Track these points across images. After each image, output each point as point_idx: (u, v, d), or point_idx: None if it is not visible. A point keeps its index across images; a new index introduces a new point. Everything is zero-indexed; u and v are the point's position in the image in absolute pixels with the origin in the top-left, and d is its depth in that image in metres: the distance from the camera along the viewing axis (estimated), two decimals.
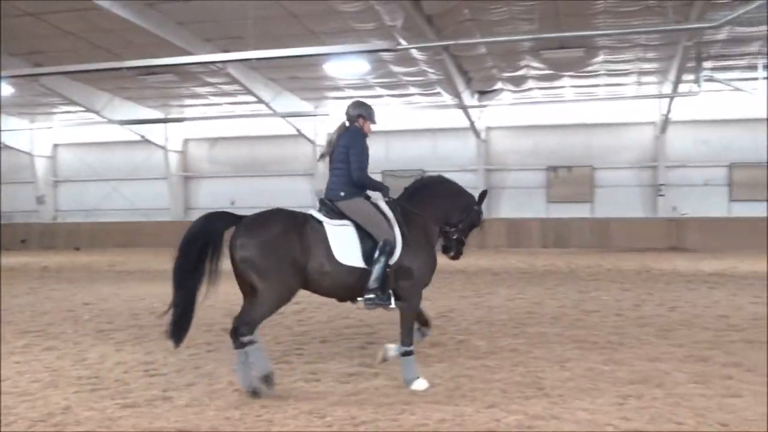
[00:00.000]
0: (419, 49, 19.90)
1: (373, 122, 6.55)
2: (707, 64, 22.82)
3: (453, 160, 29.78)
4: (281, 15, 18.80)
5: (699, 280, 15.29)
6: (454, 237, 6.88)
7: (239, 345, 5.85)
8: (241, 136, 32.08)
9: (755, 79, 23.41)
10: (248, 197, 31.98)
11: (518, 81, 25.49)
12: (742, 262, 19.38)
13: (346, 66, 22.70)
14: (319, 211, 6.27)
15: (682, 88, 24.16)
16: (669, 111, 26.12)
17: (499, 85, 26.31)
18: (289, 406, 5.71)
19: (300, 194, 31.26)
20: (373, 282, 6.02)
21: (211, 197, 32.70)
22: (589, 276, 16.39)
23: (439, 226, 6.72)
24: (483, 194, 7.10)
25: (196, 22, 19.46)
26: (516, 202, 29.37)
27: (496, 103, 27.43)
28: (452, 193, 6.86)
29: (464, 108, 26.54)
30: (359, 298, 6.17)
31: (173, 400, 6.00)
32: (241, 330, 5.80)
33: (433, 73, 24.03)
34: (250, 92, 25.47)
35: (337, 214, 6.21)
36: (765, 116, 26.70)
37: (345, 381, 6.57)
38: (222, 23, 19.41)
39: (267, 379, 5.86)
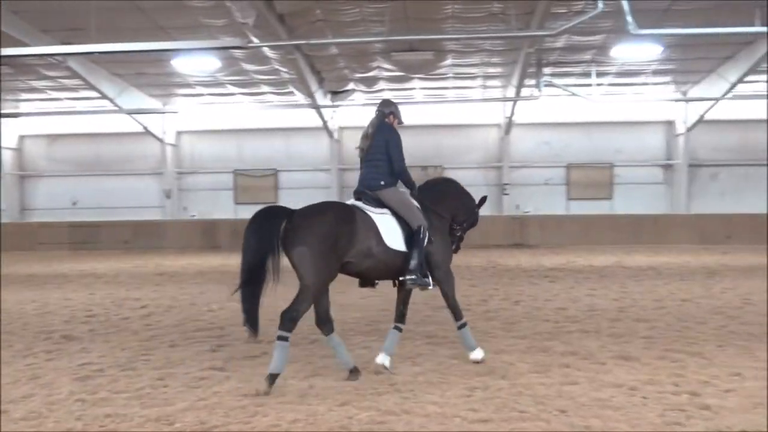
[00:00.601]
0: (271, 47, 19.72)
1: (401, 121, 7.12)
2: (547, 70, 24.05)
3: (306, 159, 29.75)
4: (127, 7, 18.06)
5: (540, 274, 16.07)
6: (458, 234, 7.56)
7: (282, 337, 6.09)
8: (83, 133, 30.50)
9: (590, 85, 24.99)
10: (91, 197, 30.53)
11: (370, 82, 25.81)
12: (579, 257, 20.55)
13: (196, 62, 22.13)
14: (359, 200, 6.73)
15: (525, 92, 25.33)
16: (512, 114, 27.29)
17: (351, 86, 26.53)
18: (135, 415, 5.51)
19: (147, 194, 30.19)
20: (415, 264, 6.57)
21: (49, 197, 30.93)
22: None
23: (449, 222, 7.35)
24: (483, 199, 7.79)
25: (33, 11, 18.34)
26: None
27: (349, 104, 27.65)
28: (461, 194, 7.60)
29: (317, 108, 26.56)
30: (401, 278, 6.69)
31: (9, 413, 5.63)
32: (286, 325, 6.08)
33: (285, 72, 23.89)
34: (93, 87, 24.29)
35: (377, 202, 6.69)
36: (600, 120, 28.57)
37: (195, 386, 6.41)
38: (62, 14, 18.40)
39: (273, 378, 6.11)
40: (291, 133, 29.90)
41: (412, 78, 25.21)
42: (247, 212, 29.09)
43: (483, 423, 5.24)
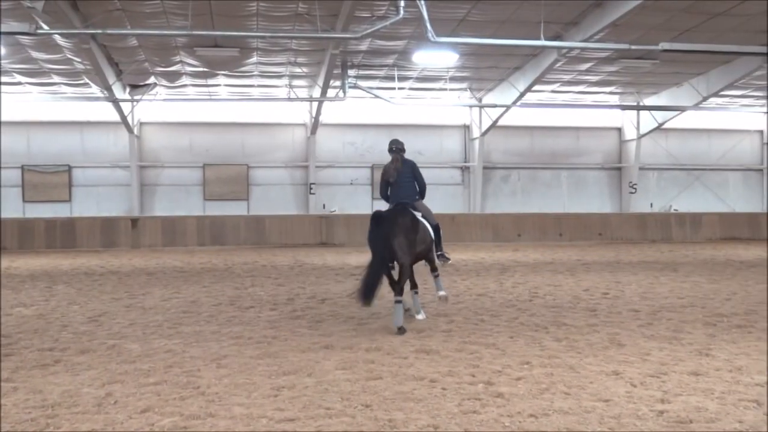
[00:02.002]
0: (63, 35, 18.51)
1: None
2: (352, 72, 24.50)
3: (104, 155, 28.21)
4: None
5: (346, 273, 16.36)
6: None
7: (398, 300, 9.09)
8: None
9: (393, 88, 25.78)
10: None
11: (172, 77, 24.98)
12: None
13: None
14: (397, 207, 9.83)
15: (331, 92, 25.64)
16: (319, 114, 27.52)
17: (152, 80, 25.52)
18: None
19: None
20: (440, 248, 10.12)
21: None
22: (245, 272, 16.67)
23: None
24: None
25: None
26: (171, 200, 28.79)
27: (150, 98, 26.59)
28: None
29: (115, 101, 25.28)
30: (438, 253, 10.07)
31: None
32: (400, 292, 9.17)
33: (79, 62, 22.50)
34: None
35: (412, 209, 9.82)
36: (402, 122, 29.54)
37: None
38: None
39: (402, 330, 8.83)
40: (86, 127, 28.23)
41: (217, 74, 24.71)
42: (37, 211, 27.30)
43: (290, 422, 5.24)
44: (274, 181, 29.60)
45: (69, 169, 28.09)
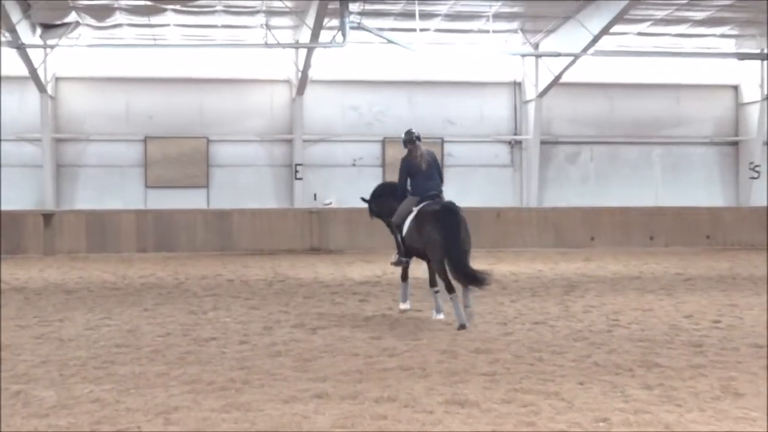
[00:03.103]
0: None
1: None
2: (354, 8, 24.51)
3: (3, 124, 28.32)
4: None
5: (347, 291, 16.37)
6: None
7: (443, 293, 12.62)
8: None
9: (412, 30, 25.68)
10: None
11: (101, 12, 25.04)
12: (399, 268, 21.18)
13: None
14: (435, 200, 13.06)
15: (325, 37, 25.63)
16: (308, 66, 27.47)
17: (72, 17, 25.60)
18: None
19: None
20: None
21: None
22: (204, 290, 16.78)
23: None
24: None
25: None
26: (100, 187, 28.90)
27: (69, 43, 26.67)
28: None
29: (20, 47, 25.35)
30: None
31: None
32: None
33: None
34: None
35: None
36: (425, 78, 29.50)
37: None
38: None
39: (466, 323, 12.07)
40: None
41: (164, 10, 24.73)
42: None
43: None
44: (245, 160, 29.69)
45: None
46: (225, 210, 27.91)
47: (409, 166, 13.33)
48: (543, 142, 30.26)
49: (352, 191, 29.64)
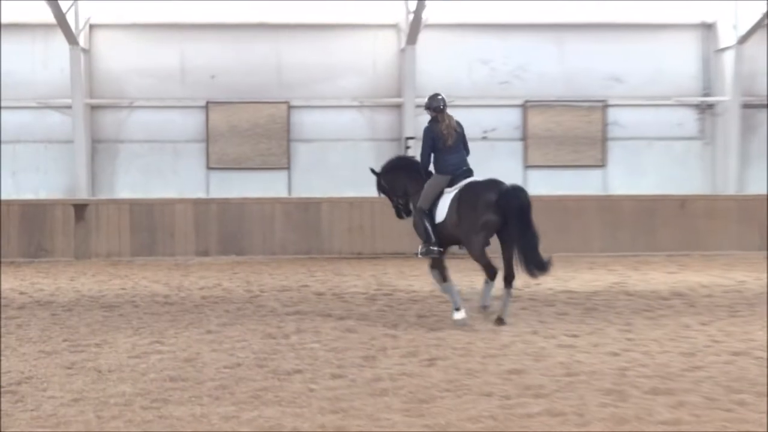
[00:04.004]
0: None
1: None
2: None
3: (23, 87, 28.84)
4: None
5: (476, 308, 16.34)
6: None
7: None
8: None
9: None
10: None
11: None
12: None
13: None
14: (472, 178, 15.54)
15: None
16: (422, 6, 27.41)
17: None
18: None
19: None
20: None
21: None
22: (285, 306, 17.07)
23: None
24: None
25: None
26: (148, 169, 29.30)
27: None
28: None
29: None
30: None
31: None
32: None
33: None
34: None
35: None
36: (580, 20, 29.22)
37: None
38: None
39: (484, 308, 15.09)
40: None
41: None
42: None
43: None
44: (338, 132, 29.76)
45: None
46: (312, 199, 27.97)
47: (434, 138, 15.30)
48: (745, 106, 29.66)
49: (482, 173, 29.50)
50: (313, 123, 29.71)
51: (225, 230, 27.06)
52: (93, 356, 12.21)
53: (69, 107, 28.62)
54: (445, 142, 15.18)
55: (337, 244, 26.83)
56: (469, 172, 15.55)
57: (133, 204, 27.44)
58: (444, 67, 29.65)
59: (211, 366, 11.50)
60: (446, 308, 16.42)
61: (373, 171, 16.98)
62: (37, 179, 28.75)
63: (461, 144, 15.51)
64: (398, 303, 17.27)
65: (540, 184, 28.79)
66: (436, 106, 15.34)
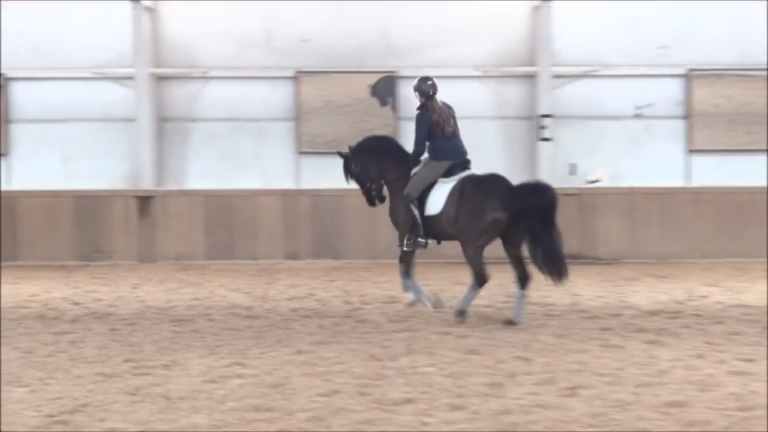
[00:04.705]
0: None
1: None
2: None
3: (75, 53, 29.28)
4: None
5: (626, 327, 16.29)
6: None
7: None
8: None
9: None
10: None
11: None
12: (715, 287, 20.82)
13: None
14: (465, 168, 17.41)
15: None
16: None
17: None
18: None
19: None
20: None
21: None
22: (392, 322, 17.15)
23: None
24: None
25: None
26: (226, 153, 29.54)
27: None
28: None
29: None
30: None
31: None
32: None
33: None
34: None
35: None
36: None
37: None
38: None
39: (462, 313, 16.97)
40: None
41: None
42: None
43: None
44: (457, 108, 29.46)
45: (3, 82, 29.40)
46: None
47: (432, 125, 17.13)
48: None
49: (633, 160, 29.42)
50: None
51: (318, 228, 27.25)
52: (161, 380, 12.33)
53: (131, 78, 28.94)
54: (443, 129, 17.08)
55: (451, 247, 26.81)
56: (468, 163, 17.44)
57: (208, 196, 27.71)
58: (586, 28, 29.53)
59: (303, 393, 11.57)
60: (590, 325, 16.47)
61: (340, 154, 18.68)
62: (93, 166, 29.03)
63: (458, 130, 17.48)
64: (531, 318, 17.26)
65: (707, 173, 28.59)
66: (425, 91, 17.12)
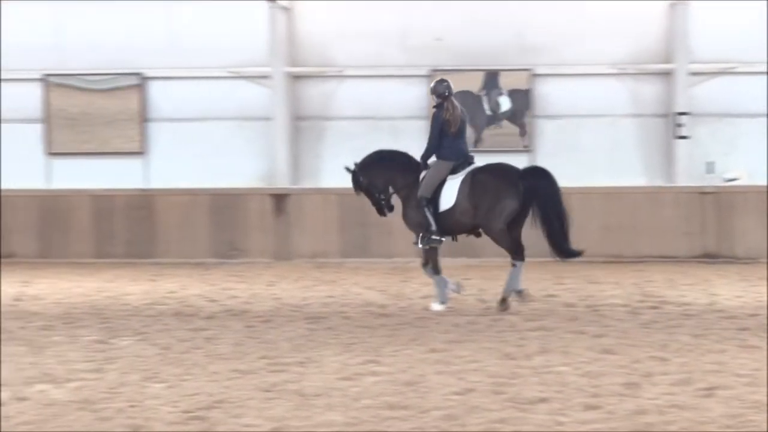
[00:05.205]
0: None
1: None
2: None
3: (195, 49, 29.54)
4: None
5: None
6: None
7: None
8: None
9: None
10: None
11: None
12: None
13: None
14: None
15: None
16: None
17: None
18: None
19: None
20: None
21: None
22: (527, 320, 17.05)
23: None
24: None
25: None
26: (363, 152, 29.53)
27: None
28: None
29: None
30: None
31: None
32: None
33: None
34: None
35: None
36: None
37: None
38: None
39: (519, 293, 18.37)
40: None
41: None
42: (68, 175, 29.35)
43: None
44: (592, 107, 29.53)
45: (141, 81, 29.82)
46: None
47: (449, 122, 18.27)
48: None
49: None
50: (562, 95, 29.61)
51: None
52: (296, 377, 12.37)
53: (267, 77, 29.18)
54: (455, 127, 18.26)
55: (589, 245, 26.67)
56: (471, 158, 18.80)
57: (343, 194, 27.65)
58: (723, 25, 29.19)
59: (437, 392, 11.55)
60: (728, 325, 16.29)
61: (348, 169, 19.53)
62: (229, 164, 29.29)
63: (464, 132, 18.67)
64: (667, 318, 17.12)
65: None
66: (441, 92, 18.30)
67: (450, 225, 18.43)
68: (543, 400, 11.08)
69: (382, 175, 19.09)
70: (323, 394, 11.36)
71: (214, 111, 29.61)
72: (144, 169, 29.97)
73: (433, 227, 18.06)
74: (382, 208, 19.29)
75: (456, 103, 18.42)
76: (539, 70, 29.31)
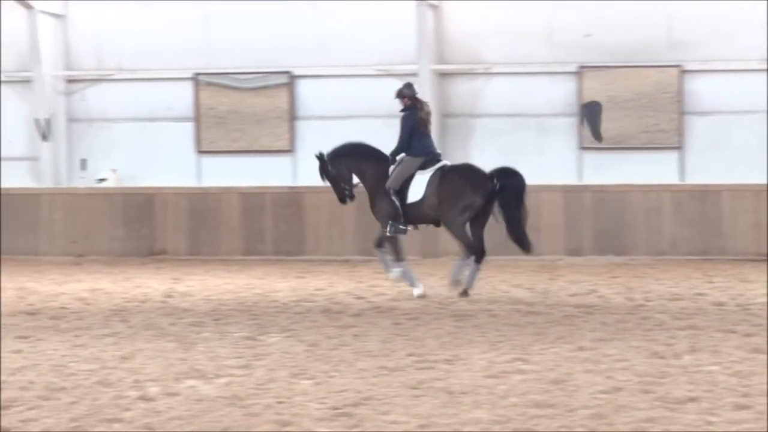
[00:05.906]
0: None
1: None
2: None
3: (362, 48, 29.71)
4: None
5: None
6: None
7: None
8: None
9: None
10: None
11: None
12: None
13: None
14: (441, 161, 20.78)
15: None
16: None
17: None
18: None
19: None
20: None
21: None
22: (676, 319, 16.82)
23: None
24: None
25: None
26: (507, 149, 29.47)
27: None
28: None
29: None
30: None
31: None
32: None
33: None
34: None
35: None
36: None
37: None
38: None
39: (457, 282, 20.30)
40: None
41: None
42: (218, 173, 29.68)
43: None
44: (744, 103, 29.21)
45: (290, 79, 30.06)
46: (710, 186, 27.56)
47: (419, 124, 20.07)
48: None
49: None
50: (713, 91, 29.31)
51: (601, 224, 27.11)
52: (443, 375, 12.37)
53: (415, 74, 29.13)
54: (426, 126, 20.30)
55: (741, 243, 26.42)
56: (439, 156, 20.64)
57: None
58: None
59: (585, 390, 11.49)
60: None
61: (318, 157, 20.65)
62: None
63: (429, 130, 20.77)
64: None
65: None
66: (411, 94, 20.06)
67: (415, 216, 20.19)
68: (692, 400, 10.96)
69: (351, 166, 20.52)
70: (470, 392, 11.32)
71: (362, 109, 29.80)
72: (293, 166, 30.27)
73: (401, 217, 19.66)
74: (345, 197, 20.82)
75: (425, 102, 20.57)
76: (689, 66, 29.03)
